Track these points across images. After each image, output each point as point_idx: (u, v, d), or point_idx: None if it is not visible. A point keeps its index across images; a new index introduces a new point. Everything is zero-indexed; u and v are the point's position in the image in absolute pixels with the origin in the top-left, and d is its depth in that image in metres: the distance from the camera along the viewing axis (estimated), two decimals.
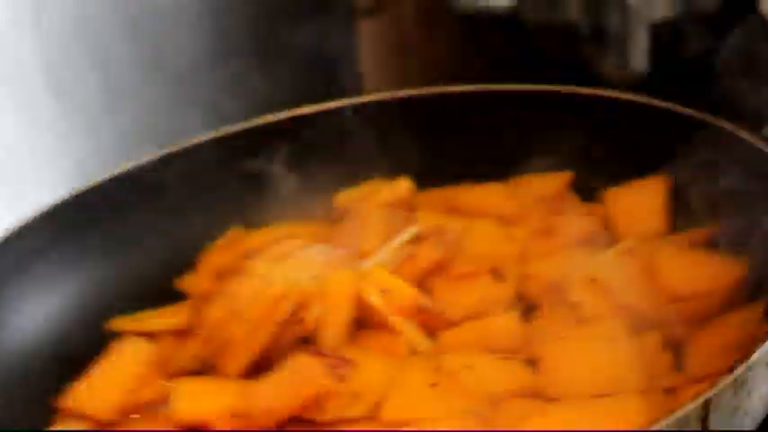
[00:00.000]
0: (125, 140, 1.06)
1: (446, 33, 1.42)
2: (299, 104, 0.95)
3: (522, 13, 1.22)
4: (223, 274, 0.83)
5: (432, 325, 0.77)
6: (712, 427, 0.59)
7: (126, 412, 0.77)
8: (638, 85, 1.24)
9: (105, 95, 1.03)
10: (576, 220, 0.84)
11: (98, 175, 0.88)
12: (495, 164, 0.91)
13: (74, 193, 0.88)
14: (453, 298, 0.79)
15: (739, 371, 0.60)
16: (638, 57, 1.18)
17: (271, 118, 0.95)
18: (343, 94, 0.95)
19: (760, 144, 0.80)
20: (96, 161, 1.04)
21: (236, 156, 0.92)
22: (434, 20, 1.39)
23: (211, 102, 1.14)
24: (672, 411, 0.58)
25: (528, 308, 0.78)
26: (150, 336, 0.82)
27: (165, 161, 0.92)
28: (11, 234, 0.84)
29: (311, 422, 0.71)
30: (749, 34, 1.18)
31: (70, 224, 0.87)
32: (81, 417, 0.77)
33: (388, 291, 0.77)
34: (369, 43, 1.30)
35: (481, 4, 1.21)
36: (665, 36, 1.24)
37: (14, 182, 0.99)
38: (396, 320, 0.76)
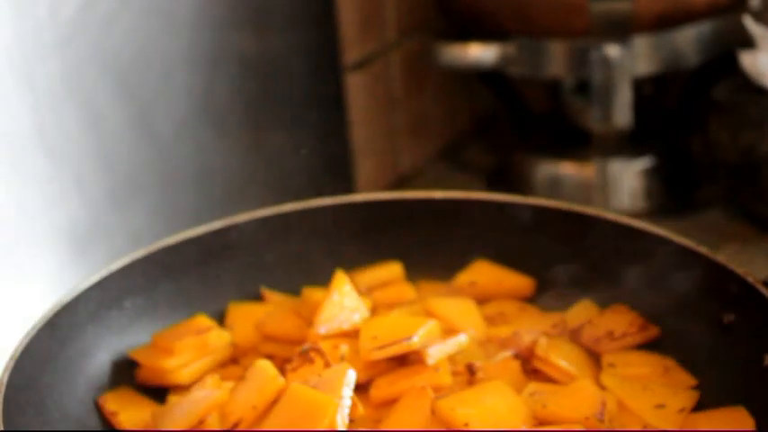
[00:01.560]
0: (115, 199, 1.07)
1: (432, 87, 1.44)
2: None
3: (506, 68, 1.23)
4: None
5: None
6: None
7: None
8: (620, 137, 1.26)
9: (96, 154, 1.04)
10: None
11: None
12: None
13: (140, 254, 0.92)
14: None
15: None
16: (621, 111, 1.20)
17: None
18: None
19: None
20: (87, 218, 1.06)
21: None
22: (421, 75, 1.41)
23: (200, 159, 1.16)
24: None
25: None
26: None
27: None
28: (87, 287, 0.89)
29: None
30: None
31: (140, 280, 0.92)
32: None
33: None
34: (357, 97, 1.32)
35: (468, 59, 1.22)
36: (647, 89, 1.26)
37: (3, 240, 0.99)
38: None
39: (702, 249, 0.87)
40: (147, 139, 1.11)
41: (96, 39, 1.05)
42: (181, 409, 0.82)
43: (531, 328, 0.90)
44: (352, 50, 1.31)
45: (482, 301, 0.94)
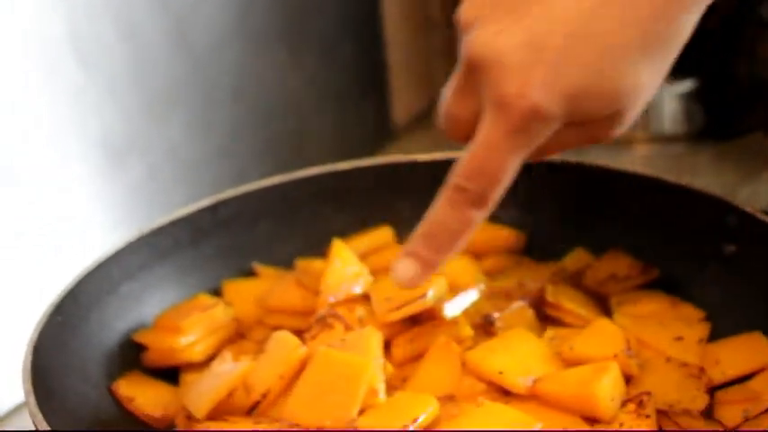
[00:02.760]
0: (151, 112, 1.06)
1: None
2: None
3: None
4: None
5: None
6: None
7: None
8: None
9: (131, 66, 1.01)
10: None
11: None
12: None
13: (156, 226, 0.92)
14: None
15: None
16: None
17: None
18: None
19: None
20: (122, 130, 1.05)
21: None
22: None
23: (235, 75, 1.14)
24: None
25: None
26: None
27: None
28: (106, 259, 0.88)
29: None
30: None
31: (154, 252, 0.92)
32: None
33: None
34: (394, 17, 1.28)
35: None
36: None
37: (42, 149, 0.97)
38: None
39: (695, 185, 0.89)
40: (182, 52, 1.09)
41: None
42: (207, 385, 0.81)
43: (533, 277, 0.91)
44: None
45: (476, 257, 0.95)
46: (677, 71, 1.25)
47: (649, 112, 1.27)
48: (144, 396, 0.85)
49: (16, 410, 1.01)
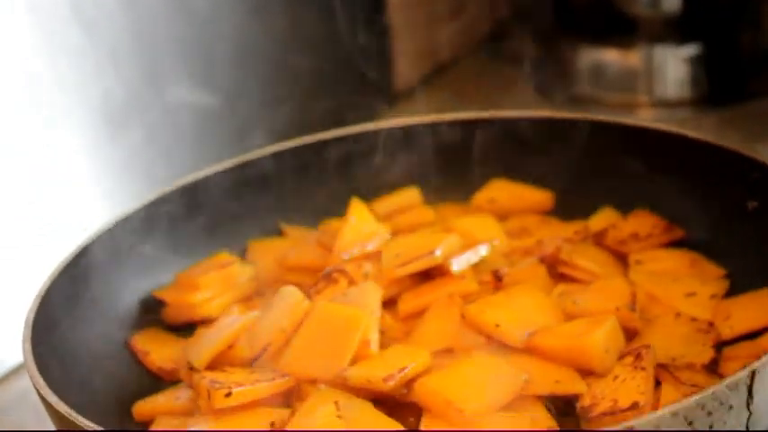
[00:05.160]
0: (151, 75, 1.07)
1: None
2: None
3: None
4: None
5: None
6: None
7: None
8: (667, 23, 1.23)
9: (132, 30, 1.02)
10: None
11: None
12: None
13: (162, 193, 0.92)
14: None
15: None
16: None
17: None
18: None
19: None
20: (122, 94, 1.05)
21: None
22: None
23: (236, 40, 1.14)
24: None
25: None
26: None
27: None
28: (112, 225, 0.89)
29: None
30: None
31: (160, 221, 0.92)
32: None
33: None
34: None
35: None
36: None
37: (43, 108, 0.99)
38: None
39: (720, 142, 0.87)
40: (183, 16, 1.10)
41: None
42: (209, 337, 0.82)
43: (553, 236, 0.89)
44: None
45: (502, 217, 0.94)
46: (683, 36, 1.24)
47: (654, 77, 1.24)
48: (159, 351, 0.86)
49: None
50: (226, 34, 1.14)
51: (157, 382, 0.85)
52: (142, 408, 0.82)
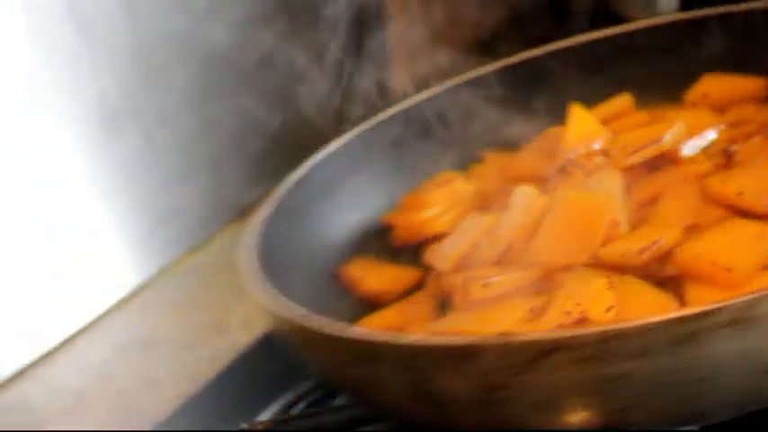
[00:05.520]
0: (147, 75, 1.08)
1: None
2: None
3: None
4: None
5: None
6: None
7: None
8: None
9: (127, 30, 1.03)
10: None
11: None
12: None
13: (384, 116, 0.95)
14: None
15: None
16: None
17: None
18: None
19: None
20: (118, 94, 1.06)
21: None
22: None
23: (233, 38, 1.13)
24: None
25: None
26: None
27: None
28: (316, 163, 0.91)
29: None
30: None
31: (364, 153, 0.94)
32: None
33: None
34: None
35: None
36: None
37: (39, 108, 1.00)
38: None
39: None
40: (179, 15, 1.11)
41: None
42: (452, 241, 0.83)
43: None
44: None
45: (719, 110, 0.93)
46: None
47: None
48: (371, 276, 0.88)
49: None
50: (223, 35, 1.14)
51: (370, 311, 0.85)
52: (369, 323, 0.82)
